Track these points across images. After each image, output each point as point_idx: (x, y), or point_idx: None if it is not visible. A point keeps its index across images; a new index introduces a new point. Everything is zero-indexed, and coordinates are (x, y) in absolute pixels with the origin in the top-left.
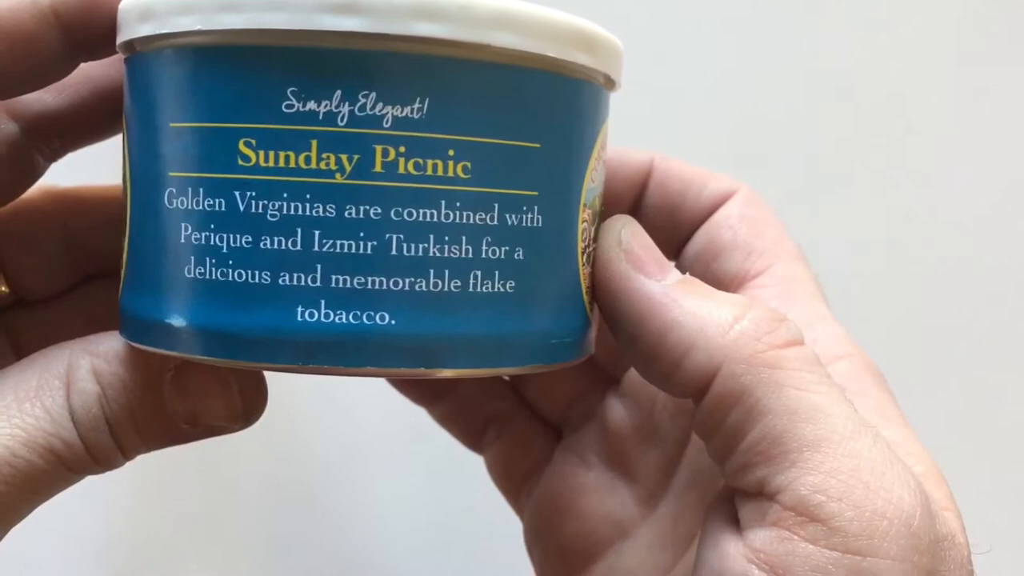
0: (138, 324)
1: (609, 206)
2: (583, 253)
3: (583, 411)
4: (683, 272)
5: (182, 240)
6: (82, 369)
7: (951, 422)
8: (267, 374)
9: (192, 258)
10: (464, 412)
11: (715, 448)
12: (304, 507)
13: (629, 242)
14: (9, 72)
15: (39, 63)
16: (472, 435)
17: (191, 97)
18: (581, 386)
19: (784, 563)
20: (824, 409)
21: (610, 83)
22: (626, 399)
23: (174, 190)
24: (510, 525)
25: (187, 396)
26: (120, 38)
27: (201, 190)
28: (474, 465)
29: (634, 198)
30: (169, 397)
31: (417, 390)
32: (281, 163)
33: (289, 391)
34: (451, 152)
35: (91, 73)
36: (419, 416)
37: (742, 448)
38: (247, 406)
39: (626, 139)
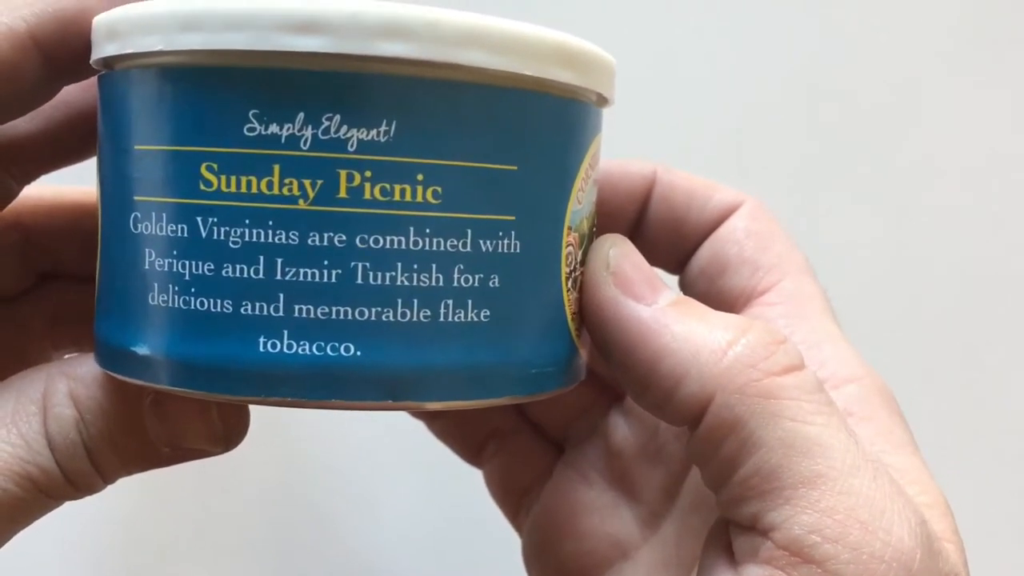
0: (108, 351)
1: (611, 219)
2: (568, 278)
3: (585, 427)
4: (687, 288)
5: (146, 266)
6: (59, 394)
7: (951, 422)
8: None
9: (156, 285)
10: (463, 427)
11: (709, 477)
12: (304, 511)
13: (618, 263)
14: None
15: (20, 91)
16: (471, 450)
17: (155, 119)
18: (584, 402)
19: None
20: (821, 442)
21: (601, 100)
22: (630, 417)
23: (139, 215)
24: (510, 532)
25: (166, 421)
26: (93, 56)
27: (164, 215)
28: (474, 471)
29: (636, 211)
30: (149, 422)
31: None
32: (243, 188)
33: None
34: (420, 176)
35: (67, 97)
36: (419, 421)
37: (736, 480)
38: (228, 430)
39: (625, 140)
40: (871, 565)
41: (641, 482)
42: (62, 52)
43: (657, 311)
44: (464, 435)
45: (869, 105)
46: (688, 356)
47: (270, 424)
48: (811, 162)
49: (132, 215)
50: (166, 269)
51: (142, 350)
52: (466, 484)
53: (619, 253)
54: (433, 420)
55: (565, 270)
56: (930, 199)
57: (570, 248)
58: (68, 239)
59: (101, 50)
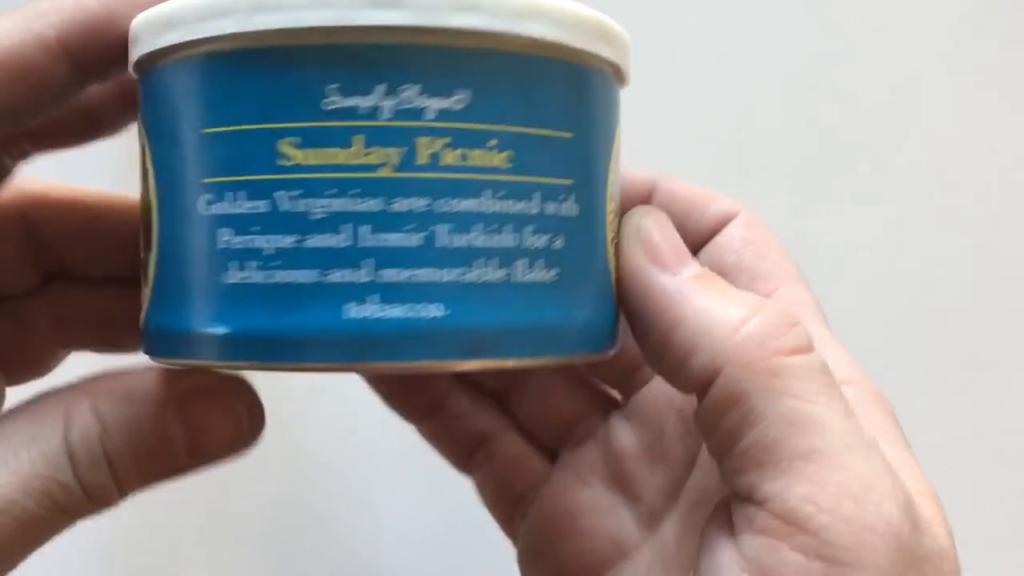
0: (172, 339)
1: None
2: (611, 243)
3: (583, 431)
4: None
5: (220, 246)
6: (82, 408)
7: (952, 420)
8: (263, 380)
9: (233, 263)
10: (454, 430)
11: (713, 447)
12: (303, 512)
13: (648, 233)
14: (20, 108)
15: (49, 95)
16: (462, 454)
17: (225, 101)
18: (580, 407)
19: (774, 573)
20: (820, 421)
21: (620, 77)
22: (633, 421)
23: (211, 196)
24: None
25: (192, 424)
26: (137, 53)
27: (242, 193)
28: None
29: None
30: (173, 429)
31: (407, 405)
32: (325, 160)
33: (288, 397)
34: (493, 142)
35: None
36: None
37: (737, 451)
38: (252, 428)
39: (626, 141)
40: (863, 535)
41: (642, 483)
42: (90, 56)
43: (681, 282)
44: (455, 439)
45: (869, 105)
46: (703, 328)
47: (270, 426)
48: (811, 162)
49: (202, 197)
50: (244, 246)
51: (220, 330)
52: (465, 486)
53: (651, 223)
54: (425, 422)
55: (609, 235)
56: (930, 199)
57: (611, 216)
58: (76, 239)
59: (153, 43)
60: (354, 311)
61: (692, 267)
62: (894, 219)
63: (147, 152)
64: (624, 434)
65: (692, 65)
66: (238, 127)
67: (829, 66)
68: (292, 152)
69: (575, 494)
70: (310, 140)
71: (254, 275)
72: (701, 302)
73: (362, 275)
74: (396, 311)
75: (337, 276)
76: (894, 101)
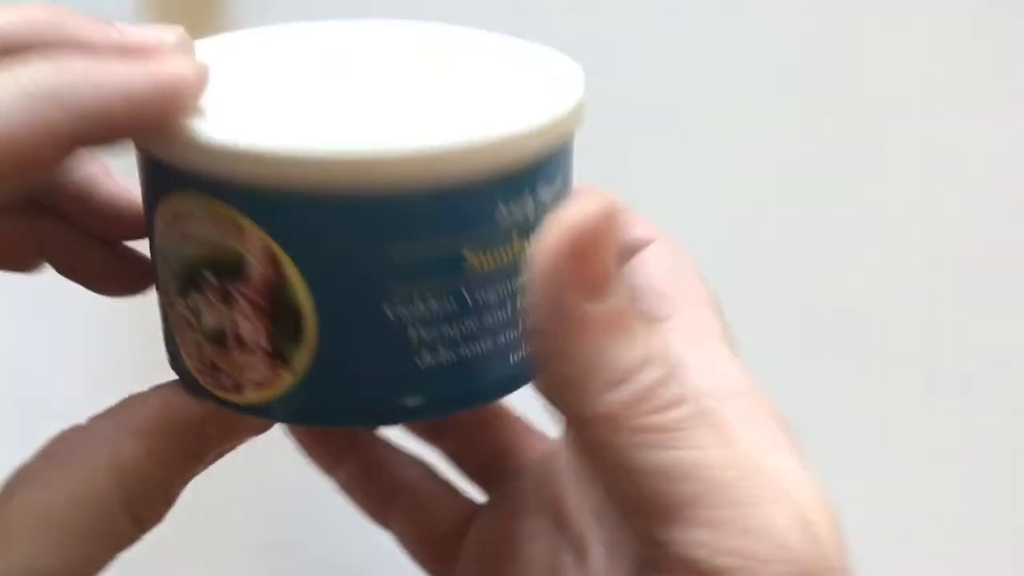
0: (347, 409)
1: None
2: None
3: (510, 466)
4: None
5: (411, 337)
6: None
7: (952, 420)
8: None
9: (425, 350)
10: (370, 478)
11: (602, 489)
12: (301, 513)
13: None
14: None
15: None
16: (378, 503)
17: (411, 221)
18: (505, 440)
19: None
20: (698, 465)
21: None
22: (563, 449)
23: (397, 298)
24: None
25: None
26: (283, 183)
27: (428, 294)
28: None
29: None
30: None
31: (320, 453)
32: (498, 261)
33: None
34: None
35: None
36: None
37: (621, 499)
38: None
39: (624, 140)
40: (758, 569)
41: (572, 508)
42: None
43: (591, 312)
44: (371, 487)
45: (869, 105)
46: (584, 371)
47: (272, 428)
48: (811, 162)
49: (387, 300)
50: (434, 334)
51: (414, 401)
52: (464, 487)
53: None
54: (337, 469)
55: None
56: (930, 199)
57: None
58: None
59: (340, 187)
60: (514, 358)
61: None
62: (894, 219)
63: (286, 260)
64: (552, 463)
65: (691, 65)
66: (425, 241)
67: (829, 66)
68: (473, 256)
69: (508, 527)
70: (487, 245)
71: (443, 355)
72: (597, 341)
73: (516, 331)
74: (524, 353)
75: (504, 338)
76: (894, 101)
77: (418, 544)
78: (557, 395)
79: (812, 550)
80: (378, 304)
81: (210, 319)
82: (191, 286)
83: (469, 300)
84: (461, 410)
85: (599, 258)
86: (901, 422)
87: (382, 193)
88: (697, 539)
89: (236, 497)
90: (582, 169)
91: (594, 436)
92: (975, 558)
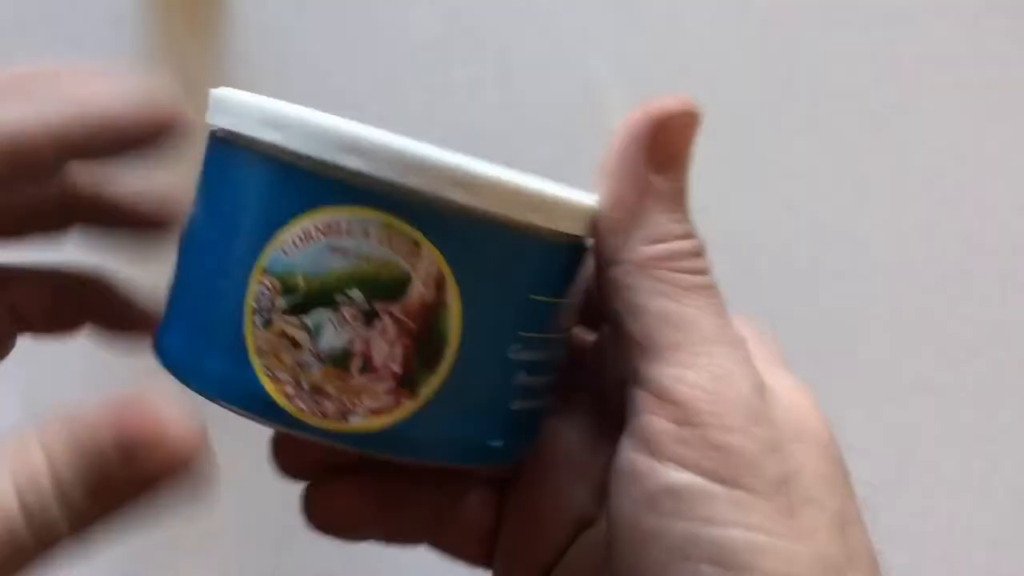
0: (450, 445)
1: None
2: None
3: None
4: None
5: (515, 383)
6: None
7: (953, 419)
8: None
9: (519, 396)
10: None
11: (612, 328)
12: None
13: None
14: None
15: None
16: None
17: (553, 276)
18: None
19: (655, 440)
20: (691, 319)
21: None
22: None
23: (519, 346)
24: None
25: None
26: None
27: (535, 344)
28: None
29: None
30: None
31: (301, 461)
32: (563, 327)
33: None
34: None
35: None
36: None
37: (623, 339)
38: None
39: None
40: (720, 404)
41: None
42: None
43: (655, 183)
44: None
45: (869, 105)
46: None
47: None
48: (811, 161)
49: (512, 345)
50: (529, 384)
51: (497, 444)
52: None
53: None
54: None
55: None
56: (930, 199)
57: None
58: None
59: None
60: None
61: (674, 180)
62: (894, 218)
63: (452, 285)
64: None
65: (691, 65)
66: (553, 294)
67: (829, 66)
68: (564, 318)
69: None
70: (567, 307)
71: (526, 404)
72: (652, 205)
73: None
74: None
75: (546, 400)
76: (894, 101)
77: (464, 548)
78: (607, 234)
79: (765, 406)
80: (506, 346)
81: (337, 339)
82: (320, 303)
83: (548, 357)
84: (522, 459)
85: (673, 142)
86: (901, 422)
87: (553, 240)
88: (675, 375)
89: (237, 496)
90: (586, 171)
91: (622, 277)
92: (975, 558)
